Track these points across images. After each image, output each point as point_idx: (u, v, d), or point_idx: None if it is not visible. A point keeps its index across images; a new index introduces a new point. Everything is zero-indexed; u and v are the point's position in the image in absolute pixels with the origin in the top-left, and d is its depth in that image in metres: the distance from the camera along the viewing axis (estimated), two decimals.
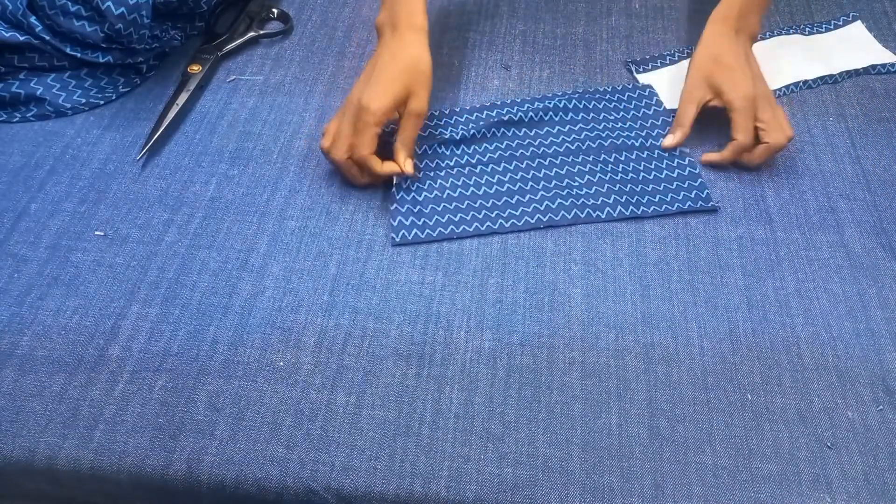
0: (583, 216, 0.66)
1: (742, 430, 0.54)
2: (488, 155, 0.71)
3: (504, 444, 0.53)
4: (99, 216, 0.66)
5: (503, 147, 0.72)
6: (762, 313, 0.61)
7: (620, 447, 0.53)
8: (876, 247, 0.65)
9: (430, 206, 0.67)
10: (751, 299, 0.61)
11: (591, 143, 0.71)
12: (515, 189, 0.68)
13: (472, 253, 0.64)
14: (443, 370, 0.57)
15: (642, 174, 0.69)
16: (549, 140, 0.72)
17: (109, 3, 0.68)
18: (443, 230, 0.65)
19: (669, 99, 0.77)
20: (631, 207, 0.67)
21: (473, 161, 0.71)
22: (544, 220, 0.66)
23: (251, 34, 0.82)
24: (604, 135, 0.72)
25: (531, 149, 0.71)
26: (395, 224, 0.65)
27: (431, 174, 0.69)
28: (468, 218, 0.66)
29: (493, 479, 0.52)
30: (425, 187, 0.68)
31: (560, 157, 0.70)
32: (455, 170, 0.70)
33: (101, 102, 0.75)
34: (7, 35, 0.70)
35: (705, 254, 0.64)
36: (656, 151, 0.71)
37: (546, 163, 0.70)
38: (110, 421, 0.54)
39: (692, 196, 0.68)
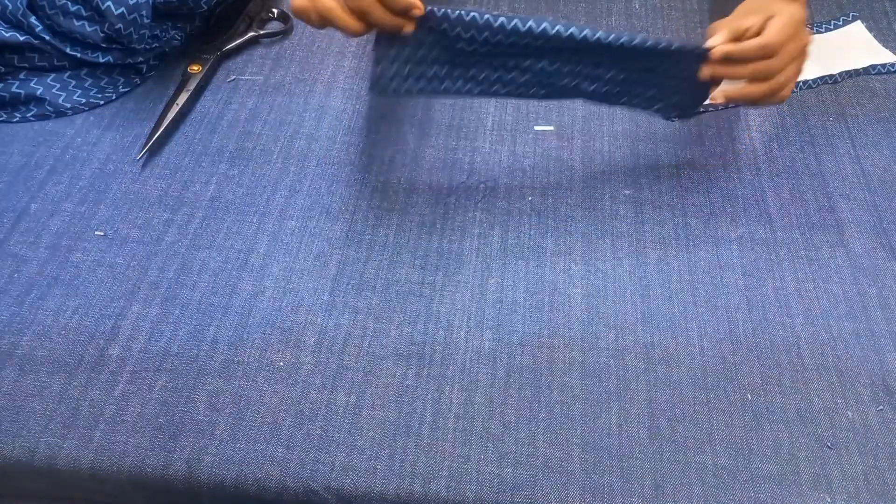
0: (576, 85, 0.62)
1: (742, 430, 0.54)
2: (490, 29, 0.61)
3: (504, 444, 0.53)
4: (99, 216, 0.66)
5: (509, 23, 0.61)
6: (762, 313, 0.61)
7: (620, 447, 0.53)
8: (876, 247, 0.65)
9: (420, 51, 0.60)
10: (751, 299, 0.61)
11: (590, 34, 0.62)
12: (515, 52, 0.61)
13: (472, 253, 0.64)
14: (443, 370, 0.57)
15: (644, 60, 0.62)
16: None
17: (109, 3, 0.68)
18: (426, 84, 0.61)
19: None
20: (625, 86, 0.62)
21: (471, 30, 0.60)
22: (541, 85, 0.62)
23: (251, 34, 0.82)
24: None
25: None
26: (379, 70, 0.59)
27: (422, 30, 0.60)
28: (455, 74, 0.61)
29: (493, 479, 0.52)
30: (417, 38, 0.59)
31: (567, 44, 0.62)
32: (450, 29, 0.60)
33: (101, 102, 0.75)
34: (7, 35, 0.70)
35: (705, 254, 0.64)
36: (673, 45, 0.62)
37: (549, 45, 0.62)
38: (110, 421, 0.54)
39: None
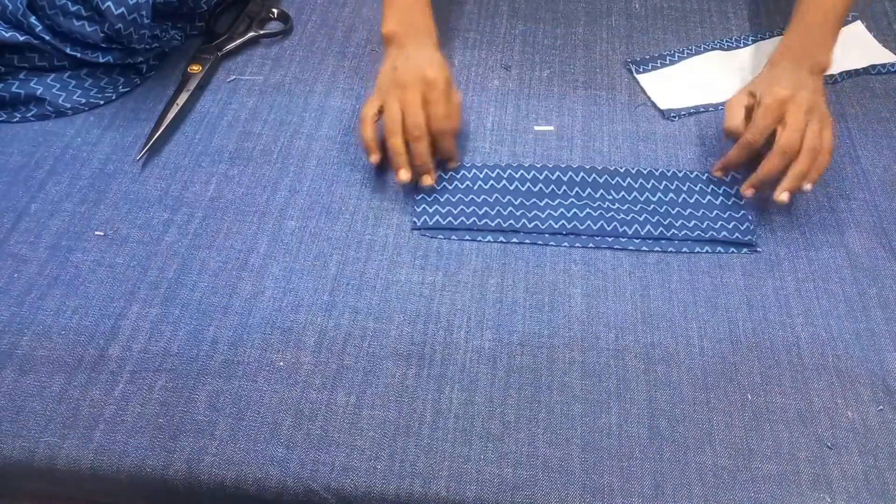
0: (609, 229, 0.65)
1: (742, 430, 0.54)
2: (527, 161, 0.71)
3: (504, 444, 0.53)
4: (99, 216, 0.66)
5: (541, 156, 0.71)
6: (762, 313, 0.61)
7: (620, 447, 0.53)
8: (876, 247, 0.65)
9: (458, 195, 0.68)
10: (751, 299, 0.61)
11: (630, 168, 0.70)
12: (547, 192, 0.68)
13: (472, 253, 0.64)
14: (443, 370, 0.57)
15: (683, 196, 0.68)
16: (590, 158, 0.72)
17: (109, 3, 0.68)
18: (465, 220, 0.66)
19: (668, 99, 0.76)
20: (661, 229, 0.65)
21: (506, 162, 0.71)
22: (569, 227, 0.66)
23: (251, 34, 0.82)
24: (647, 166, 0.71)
25: (568, 162, 0.71)
26: (419, 210, 0.66)
27: (462, 166, 0.70)
28: (493, 213, 0.66)
29: (493, 479, 0.52)
30: (458, 176, 0.69)
31: (596, 174, 0.70)
32: (486, 168, 0.70)
33: (101, 102, 0.75)
34: (7, 35, 0.70)
35: (705, 253, 0.64)
36: (706, 175, 0.69)
37: (579, 178, 0.69)
38: (110, 421, 0.54)
39: (730, 227, 0.65)
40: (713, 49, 0.82)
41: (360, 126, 0.67)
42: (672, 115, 0.75)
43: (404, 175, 0.65)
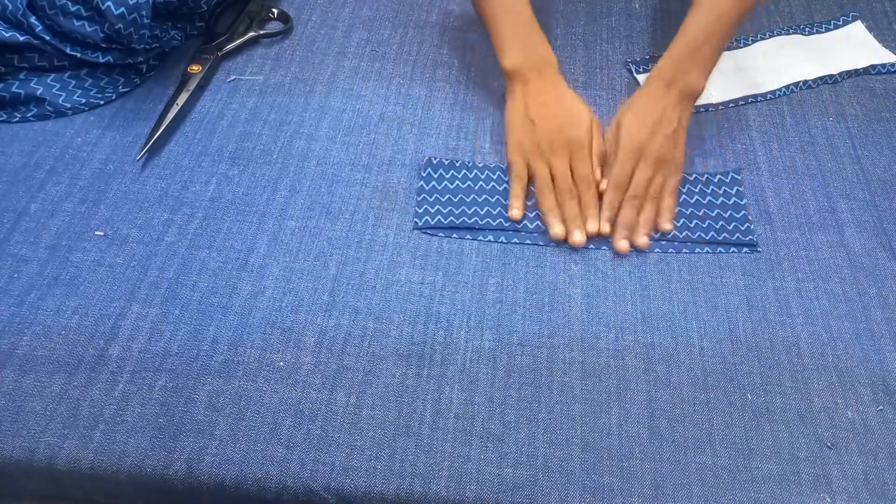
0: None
1: (742, 430, 0.54)
2: None
3: (504, 444, 0.53)
4: (99, 216, 0.66)
5: None
6: (762, 313, 0.61)
7: (620, 447, 0.53)
8: (876, 247, 0.65)
9: (459, 195, 0.68)
10: (751, 299, 0.61)
11: None
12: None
13: (472, 253, 0.64)
14: (443, 370, 0.57)
15: (683, 197, 0.68)
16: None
17: (109, 3, 0.68)
18: (465, 220, 0.66)
19: None
20: (660, 231, 0.66)
21: (507, 164, 0.70)
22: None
23: (251, 34, 0.82)
24: None
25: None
26: (420, 210, 0.66)
27: (463, 166, 0.70)
28: (493, 213, 0.66)
29: (493, 479, 0.52)
30: (459, 176, 0.69)
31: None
32: (486, 169, 0.70)
33: (101, 102, 0.75)
34: (7, 35, 0.70)
35: (705, 254, 0.64)
36: (706, 176, 0.69)
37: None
38: (110, 421, 0.54)
39: (730, 227, 0.66)
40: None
41: (514, 185, 0.68)
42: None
43: (559, 231, 0.65)
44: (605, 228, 0.65)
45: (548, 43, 0.72)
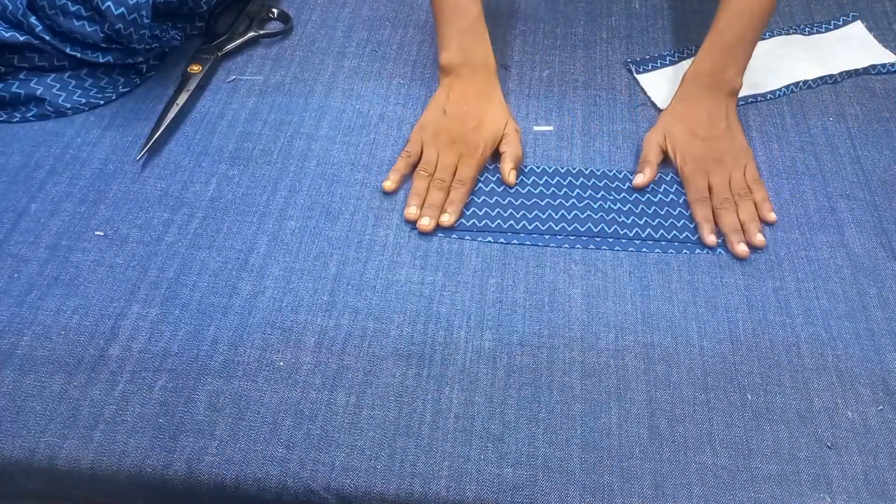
0: (609, 230, 0.65)
1: (742, 430, 0.54)
2: (528, 164, 0.71)
3: (504, 444, 0.53)
4: (99, 216, 0.66)
5: (541, 158, 0.72)
6: (762, 313, 0.61)
7: (620, 447, 0.53)
8: (876, 247, 0.65)
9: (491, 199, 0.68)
10: (751, 299, 0.61)
11: (629, 172, 0.70)
12: (547, 193, 0.69)
13: (472, 253, 0.64)
14: (443, 370, 0.57)
15: (683, 197, 0.68)
16: (591, 160, 0.72)
17: (109, 3, 0.68)
18: (465, 220, 0.66)
19: (668, 99, 0.76)
20: (661, 230, 0.66)
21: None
22: (569, 227, 0.66)
23: (251, 34, 0.82)
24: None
25: (568, 164, 0.71)
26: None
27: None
28: (493, 213, 0.67)
29: (493, 479, 0.52)
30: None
31: (595, 177, 0.70)
32: (487, 171, 0.70)
33: (101, 102, 0.75)
34: (7, 35, 0.70)
35: (705, 254, 0.64)
36: None
37: (578, 181, 0.69)
38: (110, 421, 0.54)
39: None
40: None
41: (399, 160, 0.70)
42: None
43: (412, 214, 0.66)
44: (712, 241, 0.64)
45: (489, 45, 0.73)
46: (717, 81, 0.70)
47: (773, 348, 0.59)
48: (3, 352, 0.57)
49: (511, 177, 0.69)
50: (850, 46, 0.82)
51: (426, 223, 0.65)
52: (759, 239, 0.64)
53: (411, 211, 0.66)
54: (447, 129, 0.70)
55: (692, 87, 0.71)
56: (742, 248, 0.64)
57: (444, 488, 0.51)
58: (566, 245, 0.65)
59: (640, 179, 0.69)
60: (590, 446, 0.53)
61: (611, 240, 0.65)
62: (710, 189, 0.67)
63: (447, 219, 0.65)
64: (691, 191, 0.67)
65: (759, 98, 0.77)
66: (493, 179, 0.69)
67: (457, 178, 0.68)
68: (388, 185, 0.68)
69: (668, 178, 0.69)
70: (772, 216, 0.66)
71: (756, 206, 0.66)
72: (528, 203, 0.67)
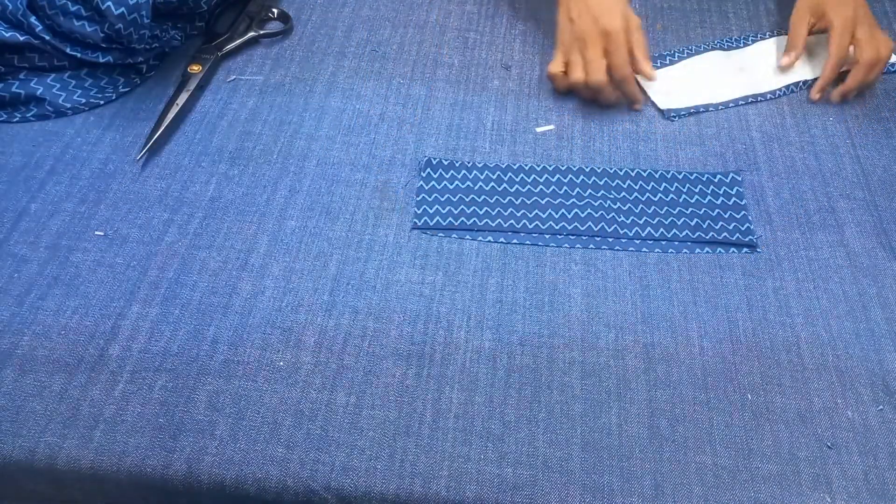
0: (609, 230, 0.65)
1: (742, 430, 0.54)
2: (528, 163, 0.71)
3: (504, 444, 0.53)
4: (99, 216, 0.66)
5: (541, 157, 0.72)
6: (762, 313, 0.61)
7: (620, 447, 0.53)
8: (876, 247, 0.65)
9: (458, 195, 0.68)
10: (751, 299, 0.61)
11: (629, 170, 0.70)
12: (548, 192, 0.68)
13: (472, 253, 0.64)
14: (443, 370, 0.57)
15: (683, 197, 0.68)
16: (591, 159, 0.72)
17: (109, 3, 0.68)
18: (465, 220, 0.66)
19: (668, 99, 0.77)
20: (661, 229, 0.65)
21: (506, 162, 0.71)
22: (569, 227, 0.66)
23: (251, 34, 0.82)
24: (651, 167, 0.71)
25: (568, 163, 0.71)
26: (419, 210, 0.66)
27: (463, 166, 0.70)
28: (493, 213, 0.67)
29: (493, 479, 0.52)
30: (459, 176, 0.69)
31: (596, 175, 0.70)
32: (486, 169, 0.70)
33: (101, 102, 0.75)
34: (7, 35, 0.70)
35: (705, 254, 0.64)
36: (706, 176, 0.69)
37: (579, 180, 0.69)
38: (110, 421, 0.54)
39: (730, 227, 0.65)
40: (713, 49, 0.82)
41: (554, 82, 0.76)
42: (672, 114, 0.75)
43: (579, 74, 0.73)
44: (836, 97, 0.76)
45: None
46: None
47: (773, 348, 0.59)
48: (3, 352, 0.57)
49: (645, 68, 0.74)
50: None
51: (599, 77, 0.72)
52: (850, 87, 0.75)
53: (578, 74, 0.73)
54: (579, 31, 0.72)
55: None
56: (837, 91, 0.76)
57: (444, 488, 0.51)
58: (566, 245, 0.65)
59: (785, 60, 0.78)
60: (590, 446, 0.53)
61: (611, 240, 0.65)
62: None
63: (635, 107, 0.75)
64: (834, 46, 0.75)
65: (759, 98, 0.77)
66: (493, 178, 0.69)
67: (613, 70, 0.72)
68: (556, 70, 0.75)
69: (668, 177, 0.69)
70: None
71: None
72: (528, 203, 0.67)
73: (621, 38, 0.71)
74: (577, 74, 0.73)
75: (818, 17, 0.77)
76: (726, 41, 0.83)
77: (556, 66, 0.75)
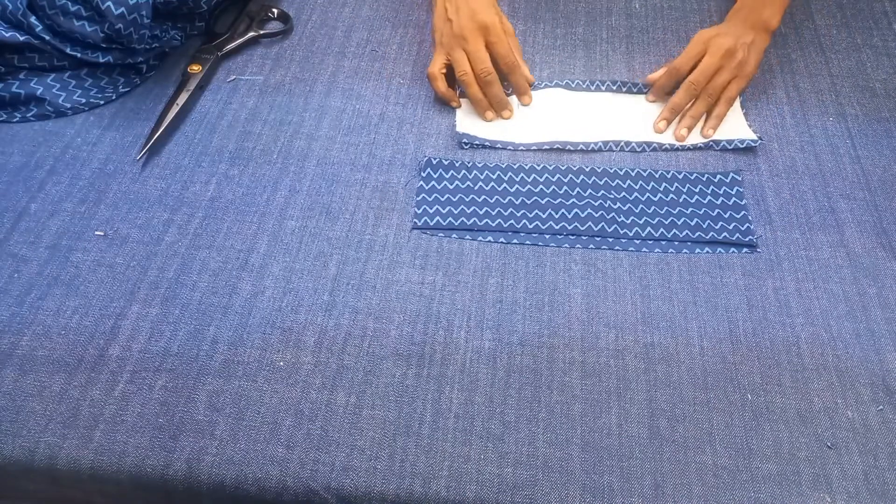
0: (609, 230, 0.65)
1: (742, 430, 0.54)
2: (528, 163, 0.71)
3: (504, 444, 0.53)
4: (99, 216, 0.66)
5: (541, 157, 0.72)
6: (762, 313, 0.61)
7: (620, 447, 0.53)
8: (876, 247, 0.65)
9: (458, 195, 0.68)
10: (751, 299, 0.61)
11: (629, 170, 0.70)
12: (548, 192, 0.68)
13: (472, 253, 0.64)
14: (443, 370, 0.57)
15: (683, 197, 0.68)
16: (591, 159, 0.71)
17: (109, 3, 0.68)
18: (465, 220, 0.66)
19: (468, 125, 0.74)
20: (661, 229, 0.65)
21: (506, 162, 0.71)
22: (569, 227, 0.66)
23: (251, 34, 0.82)
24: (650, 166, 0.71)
25: (568, 164, 0.71)
26: (419, 210, 0.66)
27: (463, 166, 0.70)
28: (493, 213, 0.67)
29: (493, 479, 0.52)
30: (458, 176, 0.69)
31: (596, 175, 0.69)
32: (486, 169, 0.70)
33: (101, 102, 0.75)
34: (7, 35, 0.70)
35: (705, 254, 0.64)
36: (706, 176, 0.69)
37: (579, 179, 0.69)
38: (110, 421, 0.54)
39: (730, 227, 0.66)
40: (555, 86, 0.78)
41: (433, 83, 0.75)
42: (464, 141, 0.72)
43: (491, 115, 0.74)
44: (661, 126, 0.73)
45: None
46: (753, 17, 0.75)
47: (773, 348, 0.59)
48: (3, 352, 0.57)
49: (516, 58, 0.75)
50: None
51: (508, 115, 0.74)
52: (681, 133, 0.72)
53: (489, 116, 0.73)
54: (458, 28, 0.73)
55: (731, 19, 0.77)
56: (683, 133, 0.72)
57: (444, 488, 0.51)
58: (566, 245, 0.65)
59: (654, 74, 0.76)
60: (590, 446, 0.53)
61: (611, 240, 0.65)
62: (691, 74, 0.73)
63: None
64: (674, 63, 0.74)
65: (568, 146, 0.72)
66: (493, 178, 0.69)
67: (499, 61, 0.73)
68: (456, 103, 0.75)
69: (668, 177, 0.69)
70: (710, 131, 0.72)
71: (707, 115, 0.73)
72: (528, 203, 0.67)
73: (500, 29, 0.72)
74: (464, 67, 0.73)
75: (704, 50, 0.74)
76: (566, 81, 0.78)
77: (434, 67, 0.75)
